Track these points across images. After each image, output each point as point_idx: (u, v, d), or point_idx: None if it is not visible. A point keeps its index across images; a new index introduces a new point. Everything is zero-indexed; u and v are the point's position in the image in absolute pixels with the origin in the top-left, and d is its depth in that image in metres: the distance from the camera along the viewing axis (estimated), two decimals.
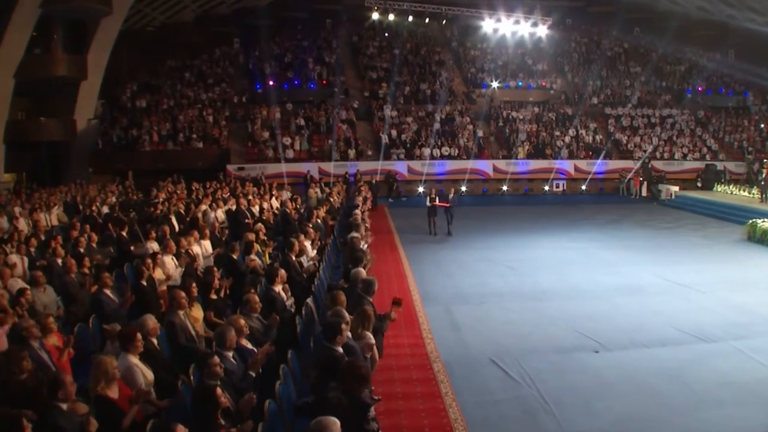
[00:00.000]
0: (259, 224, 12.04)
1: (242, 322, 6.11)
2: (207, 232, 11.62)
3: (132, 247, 11.93)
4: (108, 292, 7.84)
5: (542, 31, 33.65)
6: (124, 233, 12.39)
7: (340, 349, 5.40)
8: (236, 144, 31.19)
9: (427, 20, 36.69)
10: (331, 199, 18.80)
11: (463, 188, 30.71)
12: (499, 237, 19.40)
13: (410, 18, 35.72)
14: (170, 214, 14.87)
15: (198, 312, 7.34)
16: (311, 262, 10.32)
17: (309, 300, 8.55)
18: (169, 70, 35.51)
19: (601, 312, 11.25)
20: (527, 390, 7.94)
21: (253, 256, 10.20)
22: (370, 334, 6.12)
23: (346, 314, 5.82)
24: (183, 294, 6.93)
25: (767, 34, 34.23)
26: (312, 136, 32.07)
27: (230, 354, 5.72)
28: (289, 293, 8.14)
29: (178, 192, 20.82)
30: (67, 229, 13.67)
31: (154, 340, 6.04)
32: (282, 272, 8.01)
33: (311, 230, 11.51)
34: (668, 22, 40.10)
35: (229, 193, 20.64)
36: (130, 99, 32.60)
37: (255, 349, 6.08)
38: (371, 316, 6.25)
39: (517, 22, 32.77)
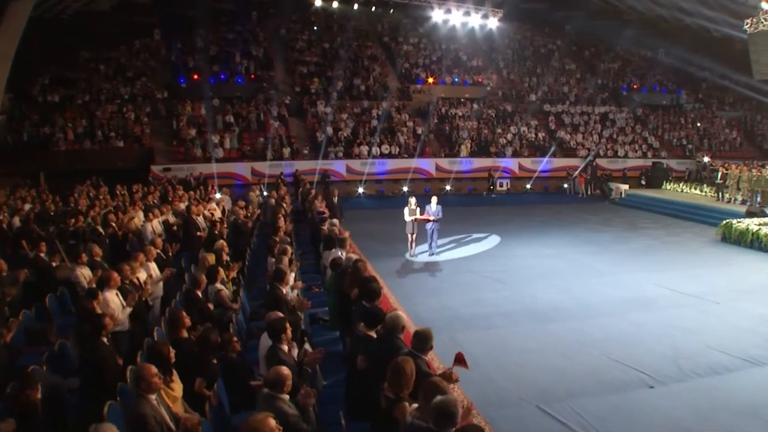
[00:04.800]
0: (221, 241, 9.71)
1: (273, 423, 3.78)
2: (152, 251, 9.20)
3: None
4: None
5: (493, 23, 32.41)
6: (42, 254, 9.84)
7: None
8: (160, 142, 28.34)
9: (373, 8, 34.75)
10: (284, 204, 16.46)
11: (405, 188, 29.42)
12: (466, 242, 17.77)
13: (355, 6, 33.63)
14: (98, 225, 12.31)
15: (177, 388, 5.05)
16: (296, 292, 8.13)
17: (307, 346, 6.51)
18: (84, 62, 32.00)
19: (625, 333, 9.87)
20: None
21: (219, 285, 7.99)
22: None
23: (452, 407, 3.72)
24: (155, 371, 4.64)
25: (695, 33, 34.60)
26: (242, 134, 29.63)
27: None
28: (294, 345, 5.91)
29: (101, 197, 18.01)
30: None
31: None
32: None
33: (289, 249, 9.25)
34: (600, 20, 40.08)
35: (159, 199, 18.15)
36: (41, 93, 29.17)
37: None
38: (444, 389, 4.27)
39: (467, 13, 31.33)
